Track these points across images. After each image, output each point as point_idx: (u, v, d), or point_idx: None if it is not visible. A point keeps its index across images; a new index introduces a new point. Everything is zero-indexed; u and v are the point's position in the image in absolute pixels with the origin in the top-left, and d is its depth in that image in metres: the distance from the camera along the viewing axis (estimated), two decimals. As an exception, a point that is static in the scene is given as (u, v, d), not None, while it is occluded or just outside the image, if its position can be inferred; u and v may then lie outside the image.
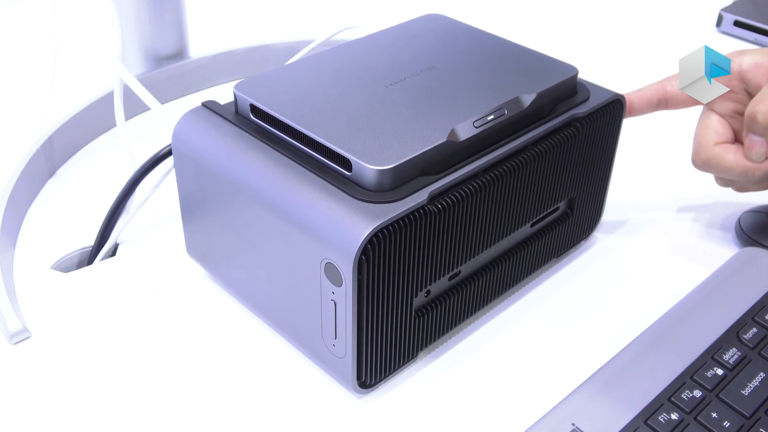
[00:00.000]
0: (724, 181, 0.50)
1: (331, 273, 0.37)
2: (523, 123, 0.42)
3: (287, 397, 0.41)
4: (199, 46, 0.68)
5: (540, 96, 0.43)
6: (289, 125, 0.40)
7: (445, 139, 0.39)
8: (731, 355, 0.42)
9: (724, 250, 0.50)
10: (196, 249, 0.47)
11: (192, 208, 0.45)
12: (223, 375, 0.42)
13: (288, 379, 0.42)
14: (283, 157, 0.39)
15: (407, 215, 0.36)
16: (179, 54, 0.66)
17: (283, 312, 0.42)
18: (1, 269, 0.46)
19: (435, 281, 0.40)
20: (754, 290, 0.46)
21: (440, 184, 0.38)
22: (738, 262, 0.48)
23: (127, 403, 0.40)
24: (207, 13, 0.81)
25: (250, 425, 0.39)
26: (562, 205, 0.47)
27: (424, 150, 0.38)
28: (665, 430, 0.38)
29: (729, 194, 0.55)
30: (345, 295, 0.37)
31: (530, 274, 0.47)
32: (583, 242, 0.51)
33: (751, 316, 0.44)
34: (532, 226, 0.46)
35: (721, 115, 0.48)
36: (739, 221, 0.52)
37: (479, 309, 0.45)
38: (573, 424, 0.38)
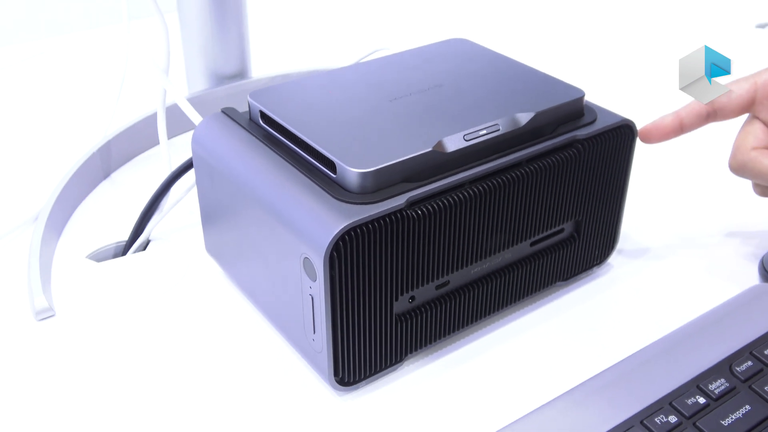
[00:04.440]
0: (761, 189, 0.50)
1: (308, 268, 0.39)
2: (519, 141, 0.43)
3: (271, 388, 0.43)
4: (261, 68, 0.72)
5: (539, 115, 0.43)
6: (288, 129, 0.42)
7: (430, 149, 0.40)
8: (718, 386, 0.41)
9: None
10: (212, 247, 0.50)
11: (208, 208, 0.48)
12: (218, 364, 0.44)
13: (276, 371, 0.44)
14: (280, 159, 0.42)
15: (383, 217, 0.38)
16: (240, 74, 0.70)
17: (276, 307, 0.44)
18: (40, 254, 0.50)
19: (416, 288, 0.41)
20: (758, 325, 0.44)
21: (422, 191, 0.39)
22: (747, 296, 0.47)
23: (127, 378, 0.43)
24: (270, 36, 0.86)
25: (235, 411, 0.41)
26: (567, 227, 0.48)
27: (407, 157, 0.39)
28: (631, 452, 0.37)
29: (756, 230, 0.54)
30: (320, 290, 0.38)
31: (531, 294, 0.48)
32: (595, 269, 0.51)
33: (749, 350, 0.43)
34: (532, 245, 0.46)
35: (765, 123, 0.48)
36: (762, 261, 0.50)
37: (472, 322, 0.45)
38: (535, 438, 0.38)
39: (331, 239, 0.37)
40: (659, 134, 0.49)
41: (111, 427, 0.41)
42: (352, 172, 0.39)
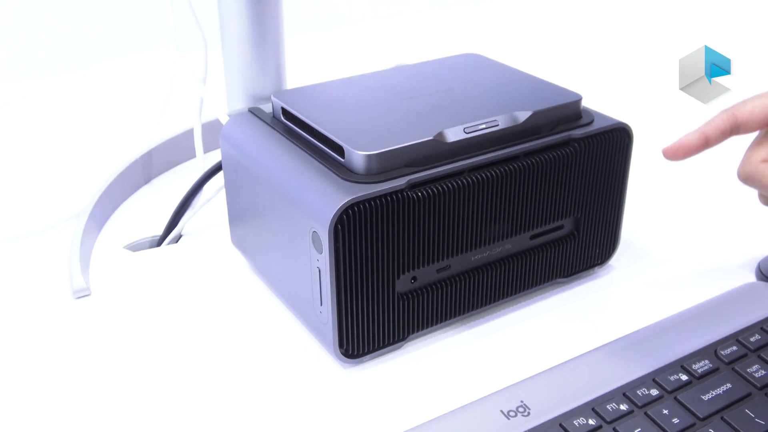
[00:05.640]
0: (766, 199, 0.51)
1: (316, 241, 0.42)
2: (517, 137, 0.47)
3: (282, 361, 0.46)
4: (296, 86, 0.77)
5: (536, 114, 0.47)
6: (304, 121, 0.47)
7: (431, 138, 0.44)
8: (701, 366, 0.43)
9: (739, 288, 0.51)
10: (237, 239, 0.54)
11: (233, 200, 0.52)
12: (235, 341, 0.48)
13: (288, 347, 0.47)
14: (297, 148, 0.46)
15: (384, 195, 0.42)
16: (276, 96, 0.75)
17: (289, 286, 0.48)
18: (81, 243, 0.55)
19: (417, 268, 0.45)
20: (747, 317, 0.46)
21: (422, 175, 0.43)
22: (740, 291, 0.49)
23: (151, 350, 0.47)
24: (304, 57, 0.92)
25: (247, 381, 0.45)
26: (567, 224, 0.51)
27: (409, 143, 0.43)
28: (610, 417, 0.39)
29: (755, 234, 0.56)
30: (326, 262, 0.42)
31: (531, 287, 0.50)
32: (597, 269, 0.53)
33: (735, 337, 0.45)
34: (532, 239, 0.49)
35: None
36: (759, 266, 0.52)
37: (472, 309, 0.48)
38: (521, 401, 0.40)
39: (335, 212, 0.41)
40: (684, 152, 0.50)
41: (135, 394, 0.44)
42: (357, 154, 0.43)
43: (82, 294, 0.52)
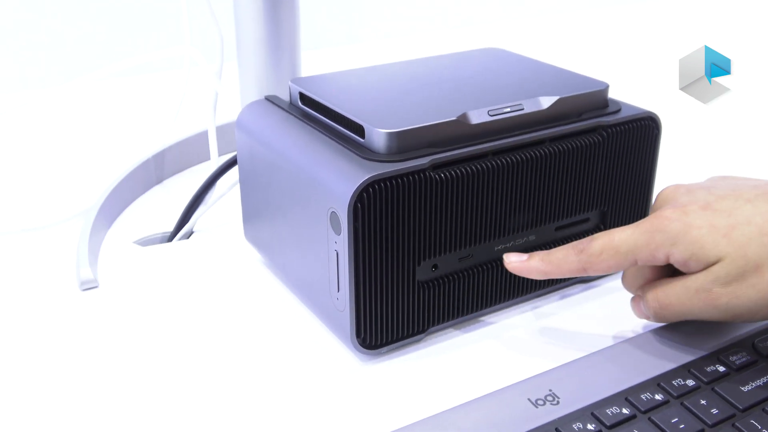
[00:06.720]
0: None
1: (334, 222, 0.40)
2: (542, 122, 0.45)
3: (297, 355, 0.44)
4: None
5: (562, 100, 0.45)
6: (323, 104, 0.45)
7: (455, 118, 0.42)
8: (739, 358, 0.41)
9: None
10: (250, 233, 0.52)
11: (247, 192, 0.50)
12: (247, 332, 0.46)
13: (303, 340, 0.45)
14: (316, 131, 0.45)
15: (406, 175, 0.40)
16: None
17: (305, 276, 0.46)
18: (90, 236, 0.53)
19: (438, 255, 0.43)
20: (784, 311, 0.44)
21: (445, 155, 0.41)
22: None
23: (157, 343, 0.45)
24: (319, 63, 0.91)
25: (261, 375, 0.43)
26: (593, 218, 0.49)
27: (432, 123, 0.42)
28: (645, 407, 0.37)
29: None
30: (344, 243, 0.40)
31: (555, 282, 0.48)
32: (623, 267, 0.51)
33: (773, 331, 0.43)
34: (557, 230, 0.47)
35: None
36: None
37: (495, 302, 0.46)
38: (550, 389, 0.38)
39: (354, 190, 0.39)
40: (525, 275, 0.44)
41: (142, 387, 0.42)
42: (378, 133, 0.41)
43: (90, 286, 0.50)
